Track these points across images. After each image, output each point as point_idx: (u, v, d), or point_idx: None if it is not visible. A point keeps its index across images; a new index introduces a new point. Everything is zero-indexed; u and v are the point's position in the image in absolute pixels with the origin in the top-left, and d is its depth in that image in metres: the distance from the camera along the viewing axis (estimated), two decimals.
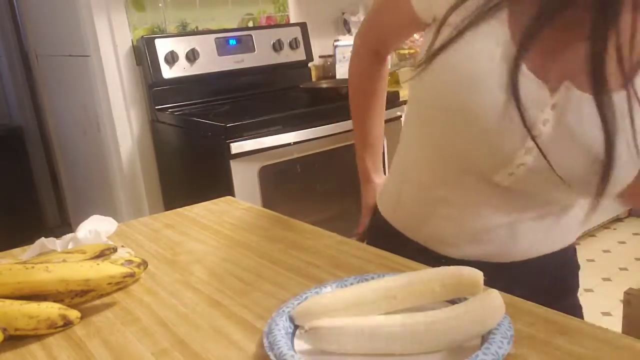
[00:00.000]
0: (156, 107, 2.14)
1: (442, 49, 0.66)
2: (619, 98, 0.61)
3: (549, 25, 0.62)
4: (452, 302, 0.58)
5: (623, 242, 2.76)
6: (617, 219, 2.97)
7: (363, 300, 0.57)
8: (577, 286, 0.86)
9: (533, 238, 0.75)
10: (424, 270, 0.59)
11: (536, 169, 0.66)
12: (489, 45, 0.64)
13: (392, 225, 0.85)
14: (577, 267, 0.85)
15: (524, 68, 0.63)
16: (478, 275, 0.56)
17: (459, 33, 0.65)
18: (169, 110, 2.13)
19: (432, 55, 0.67)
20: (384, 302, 0.57)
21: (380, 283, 0.59)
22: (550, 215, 0.74)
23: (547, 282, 0.79)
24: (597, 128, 0.61)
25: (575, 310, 0.85)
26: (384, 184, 0.91)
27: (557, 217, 0.75)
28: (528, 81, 0.63)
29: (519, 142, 0.65)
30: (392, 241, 0.82)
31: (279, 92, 2.34)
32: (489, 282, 0.58)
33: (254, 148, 1.79)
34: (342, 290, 0.61)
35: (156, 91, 2.13)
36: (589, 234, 2.82)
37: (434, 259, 0.75)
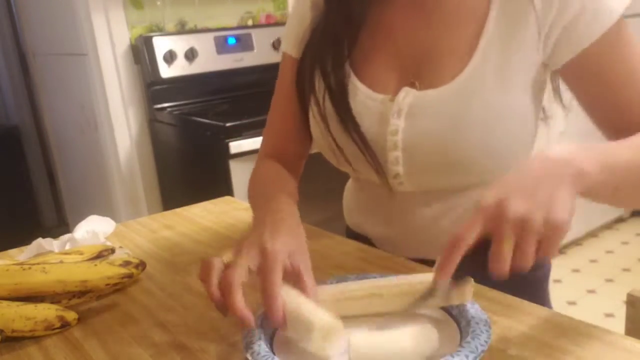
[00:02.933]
0: (154, 107, 2.13)
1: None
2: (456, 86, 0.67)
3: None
4: (447, 310, 0.58)
5: (626, 243, 2.75)
6: (620, 219, 2.96)
7: (350, 296, 0.58)
8: (545, 281, 0.84)
9: None
10: (418, 273, 0.59)
11: (412, 171, 0.70)
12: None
13: (349, 225, 0.88)
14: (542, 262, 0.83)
15: (360, 85, 0.71)
16: (466, 282, 0.56)
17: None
18: (168, 109, 2.13)
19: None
20: (371, 300, 0.57)
21: (370, 281, 0.60)
22: None
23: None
24: (444, 117, 0.66)
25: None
26: (346, 187, 0.91)
27: None
28: (367, 98, 0.71)
29: (382, 158, 0.71)
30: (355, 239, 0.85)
31: None
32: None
33: (253, 148, 1.78)
34: (332, 285, 0.62)
35: (154, 90, 2.12)
36: (592, 234, 2.81)
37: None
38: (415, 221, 0.76)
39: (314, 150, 0.85)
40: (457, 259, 0.49)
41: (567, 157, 0.51)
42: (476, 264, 0.49)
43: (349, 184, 0.89)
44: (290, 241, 0.57)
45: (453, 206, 0.74)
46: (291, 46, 0.80)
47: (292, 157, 0.83)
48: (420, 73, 0.70)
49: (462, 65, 0.67)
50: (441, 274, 0.51)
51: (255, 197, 0.75)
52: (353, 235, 0.87)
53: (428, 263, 0.74)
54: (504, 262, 0.47)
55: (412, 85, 0.69)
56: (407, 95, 0.69)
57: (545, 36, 0.65)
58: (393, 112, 0.69)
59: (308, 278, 0.56)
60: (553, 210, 0.47)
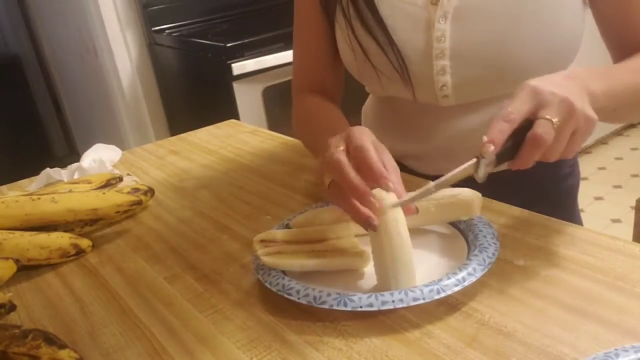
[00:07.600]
0: (153, 29, 2.06)
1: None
2: None
3: None
4: (455, 225, 0.58)
5: (635, 149, 2.73)
6: (630, 125, 2.92)
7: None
8: (572, 201, 0.81)
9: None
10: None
11: (460, 82, 0.65)
12: None
13: None
14: (567, 179, 0.80)
15: None
16: (473, 197, 0.55)
17: None
18: (166, 31, 2.06)
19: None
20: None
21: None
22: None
23: (533, 193, 0.75)
24: (496, 18, 0.62)
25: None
26: (363, 109, 0.86)
27: None
28: (401, 1, 0.65)
29: (427, 68, 0.66)
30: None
31: (279, 7, 2.24)
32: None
33: (256, 68, 1.73)
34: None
35: (151, 11, 2.04)
36: (601, 141, 2.78)
37: (412, 175, 0.74)
38: (450, 135, 0.72)
39: None
40: (508, 130, 0.47)
41: (582, 76, 0.53)
42: (511, 149, 0.48)
43: (368, 104, 0.84)
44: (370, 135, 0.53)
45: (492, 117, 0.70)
46: None
47: (328, 86, 0.79)
48: None
49: None
50: (493, 143, 0.46)
51: (308, 135, 0.73)
52: None
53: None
54: (544, 143, 0.46)
55: None
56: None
57: None
58: (438, 17, 0.64)
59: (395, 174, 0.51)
60: (587, 108, 0.49)
